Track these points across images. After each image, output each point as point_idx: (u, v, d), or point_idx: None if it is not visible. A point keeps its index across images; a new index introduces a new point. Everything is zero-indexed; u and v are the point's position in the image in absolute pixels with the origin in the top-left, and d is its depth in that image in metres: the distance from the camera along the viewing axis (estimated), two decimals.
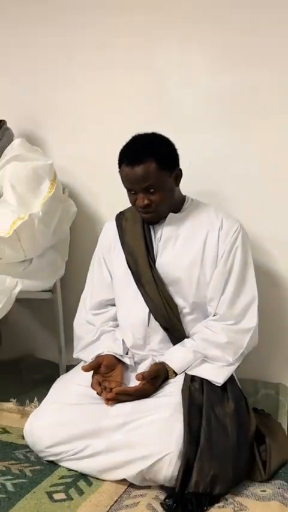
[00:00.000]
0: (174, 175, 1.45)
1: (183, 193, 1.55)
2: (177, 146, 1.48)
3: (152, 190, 1.41)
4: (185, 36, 1.86)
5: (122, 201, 1.55)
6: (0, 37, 2.14)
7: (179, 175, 1.48)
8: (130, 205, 1.52)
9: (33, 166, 1.74)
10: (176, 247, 1.49)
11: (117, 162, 1.45)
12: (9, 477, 1.25)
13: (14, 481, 1.23)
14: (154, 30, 1.90)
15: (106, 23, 1.97)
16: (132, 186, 1.43)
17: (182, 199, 1.54)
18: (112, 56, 1.97)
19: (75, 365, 1.57)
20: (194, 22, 1.84)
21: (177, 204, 1.51)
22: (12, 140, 1.83)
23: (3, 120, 1.86)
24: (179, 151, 1.48)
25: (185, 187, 1.55)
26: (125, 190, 1.48)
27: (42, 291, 1.87)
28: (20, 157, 1.75)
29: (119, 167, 1.44)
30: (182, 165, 1.49)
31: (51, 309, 2.03)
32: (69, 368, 1.74)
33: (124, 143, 1.46)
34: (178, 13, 1.85)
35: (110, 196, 1.95)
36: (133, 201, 1.46)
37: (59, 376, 1.60)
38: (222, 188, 1.84)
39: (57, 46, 2.05)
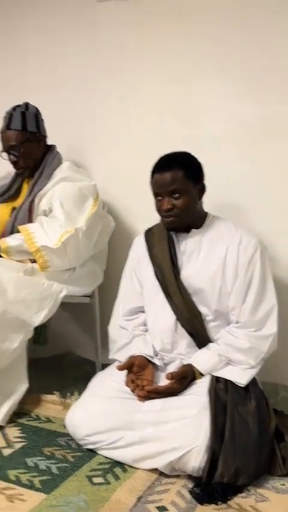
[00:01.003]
0: (198, 188, 1.48)
1: (210, 209, 1.57)
2: (205, 166, 1.51)
3: (176, 196, 1.44)
4: (216, 67, 1.90)
5: (154, 217, 1.59)
6: (51, 77, 2.23)
7: (202, 189, 1.51)
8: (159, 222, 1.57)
9: (79, 187, 1.79)
10: (199, 260, 1.49)
11: (149, 184, 1.50)
12: (53, 461, 1.28)
13: (58, 465, 1.26)
14: (187, 61, 1.95)
15: (144, 55, 2.04)
16: (159, 190, 1.46)
17: (204, 215, 1.55)
18: (149, 85, 2.03)
19: (110, 364, 1.60)
20: (224, 55, 1.88)
21: (199, 218, 1.53)
22: (61, 163, 1.89)
23: (54, 145, 1.92)
24: (207, 171, 1.52)
25: (211, 203, 1.57)
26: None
27: (82, 296, 1.91)
28: (68, 179, 1.80)
29: (151, 177, 1.48)
30: (210, 185, 1.52)
31: (89, 313, 2.07)
32: (104, 366, 1.76)
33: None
34: (209, 47, 1.91)
35: (144, 213, 1.97)
36: (159, 207, 1.49)
37: (95, 373, 1.63)
38: (245, 206, 1.86)
39: (101, 79, 2.13)
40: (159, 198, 1.47)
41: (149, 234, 1.63)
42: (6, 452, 1.32)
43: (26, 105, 1.82)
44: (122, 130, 2.10)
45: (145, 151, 1.99)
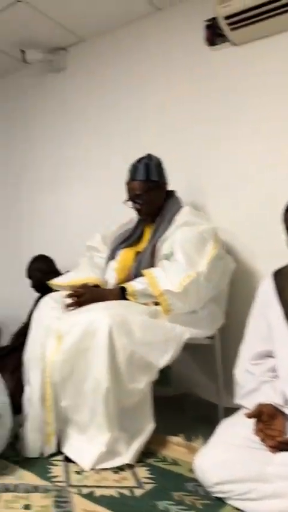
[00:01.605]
0: None
1: None
2: None
3: None
4: None
5: (276, 257, 1.58)
6: (171, 123, 2.39)
7: None
8: (284, 263, 1.55)
9: (199, 231, 1.87)
10: None
11: (271, 222, 1.52)
12: (183, 507, 1.30)
13: None
14: None
15: (260, 97, 2.10)
16: None
17: None
18: (266, 125, 2.08)
19: (233, 408, 1.59)
20: None
21: None
22: (181, 207, 1.99)
23: (174, 191, 2.04)
24: None
25: None
26: (279, 248, 1.51)
27: (204, 337, 1.95)
28: (188, 223, 1.89)
29: (285, 213, 1.50)
30: None
31: (210, 354, 2.08)
32: (227, 410, 1.75)
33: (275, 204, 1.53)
34: None
35: (265, 253, 1.99)
36: None
37: (217, 416, 1.64)
38: None
39: (218, 124, 2.23)
40: None
41: (278, 275, 1.60)
42: (138, 492, 1.38)
43: (149, 157, 1.97)
44: (240, 171, 2.16)
45: (264, 191, 2.03)
